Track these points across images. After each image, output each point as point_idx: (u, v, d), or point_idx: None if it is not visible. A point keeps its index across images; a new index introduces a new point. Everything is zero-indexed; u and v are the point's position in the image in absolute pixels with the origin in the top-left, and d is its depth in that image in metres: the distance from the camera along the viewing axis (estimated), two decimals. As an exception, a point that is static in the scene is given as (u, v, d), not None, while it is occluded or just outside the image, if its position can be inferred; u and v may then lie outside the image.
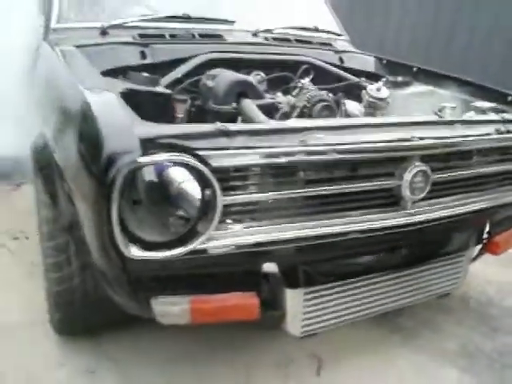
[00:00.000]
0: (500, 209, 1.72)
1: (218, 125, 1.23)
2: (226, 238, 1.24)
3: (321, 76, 2.13)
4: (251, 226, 1.27)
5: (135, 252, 1.16)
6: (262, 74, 2.04)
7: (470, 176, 1.59)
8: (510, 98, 1.93)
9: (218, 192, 1.17)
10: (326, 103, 1.73)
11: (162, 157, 1.13)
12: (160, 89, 1.61)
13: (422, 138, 1.42)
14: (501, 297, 2.31)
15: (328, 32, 2.56)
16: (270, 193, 1.27)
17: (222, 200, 1.19)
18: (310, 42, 2.35)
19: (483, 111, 1.80)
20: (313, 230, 1.33)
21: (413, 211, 1.47)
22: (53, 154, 1.49)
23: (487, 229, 1.76)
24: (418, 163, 1.42)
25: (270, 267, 1.34)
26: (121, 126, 1.17)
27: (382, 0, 5.45)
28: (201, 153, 1.16)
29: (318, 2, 2.79)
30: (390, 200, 1.45)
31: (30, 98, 2.06)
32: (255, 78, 2.00)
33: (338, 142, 1.33)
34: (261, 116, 1.54)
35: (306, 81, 2.00)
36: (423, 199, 1.48)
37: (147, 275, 1.26)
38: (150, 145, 1.13)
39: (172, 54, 1.97)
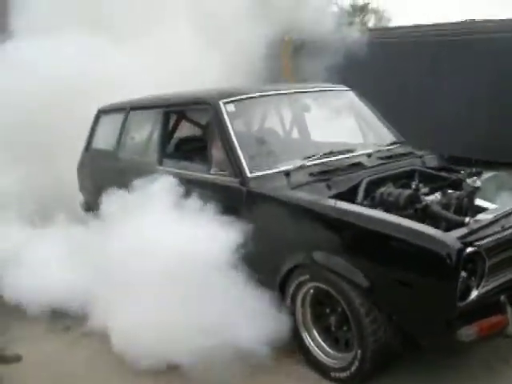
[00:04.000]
0: None
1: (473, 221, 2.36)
2: (487, 286, 2.32)
3: (424, 178, 3.28)
4: (494, 276, 2.36)
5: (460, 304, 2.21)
6: (391, 184, 3.15)
7: None
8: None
9: (487, 262, 2.26)
10: (469, 199, 2.85)
11: (469, 249, 2.21)
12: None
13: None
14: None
15: (399, 142, 3.76)
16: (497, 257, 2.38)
17: (488, 264, 2.28)
18: (403, 154, 3.52)
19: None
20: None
21: None
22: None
23: None
24: None
25: (502, 297, 2.42)
26: (446, 235, 2.25)
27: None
28: (478, 242, 2.25)
29: (374, 120, 4.00)
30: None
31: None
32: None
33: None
34: (451, 215, 2.64)
35: (416, 182, 3.14)
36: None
37: (456, 317, 2.28)
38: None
39: (346, 184, 3.05)
